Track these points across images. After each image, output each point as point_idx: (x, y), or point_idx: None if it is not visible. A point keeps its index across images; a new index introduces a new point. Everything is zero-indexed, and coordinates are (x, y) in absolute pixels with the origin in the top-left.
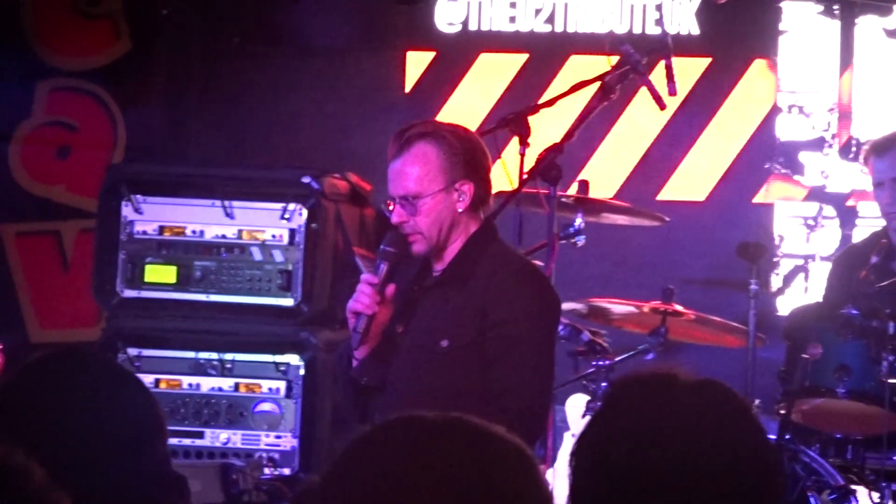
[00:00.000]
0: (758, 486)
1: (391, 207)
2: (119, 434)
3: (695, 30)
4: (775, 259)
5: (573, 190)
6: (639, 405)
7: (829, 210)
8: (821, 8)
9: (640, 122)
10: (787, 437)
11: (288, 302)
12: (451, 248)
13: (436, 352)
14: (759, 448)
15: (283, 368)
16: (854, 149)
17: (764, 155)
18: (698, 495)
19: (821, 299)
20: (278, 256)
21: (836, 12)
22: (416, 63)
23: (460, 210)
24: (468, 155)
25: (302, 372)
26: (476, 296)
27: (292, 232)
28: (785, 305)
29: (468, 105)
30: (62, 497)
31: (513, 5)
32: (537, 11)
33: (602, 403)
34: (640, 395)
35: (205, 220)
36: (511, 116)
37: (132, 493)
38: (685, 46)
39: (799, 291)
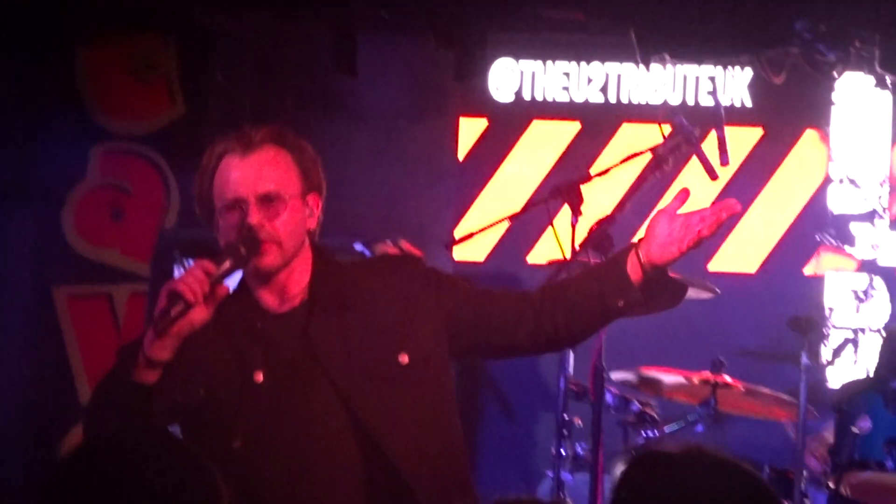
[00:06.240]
0: None
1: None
2: None
3: (747, 101)
4: (825, 331)
5: None
6: (656, 485)
7: (880, 282)
8: (873, 80)
9: (692, 192)
10: None
11: None
12: (294, 275)
13: (393, 371)
14: None
15: None
16: None
17: (815, 226)
18: None
19: (871, 373)
20: None
21: (889, 85)
22: (470, 130)
23: (309, 228)
24: (316, 168)
25: None
26: (399, 309)
27: None
28: (835, 377)
29: (521, 173)
30: None
31: (566, 74)
32: (590, 80)
33: (619, 481)
34: (655, 474)
35: None
36: (563, 185)
37: None
38: (737, 117)
39: (849, 363)
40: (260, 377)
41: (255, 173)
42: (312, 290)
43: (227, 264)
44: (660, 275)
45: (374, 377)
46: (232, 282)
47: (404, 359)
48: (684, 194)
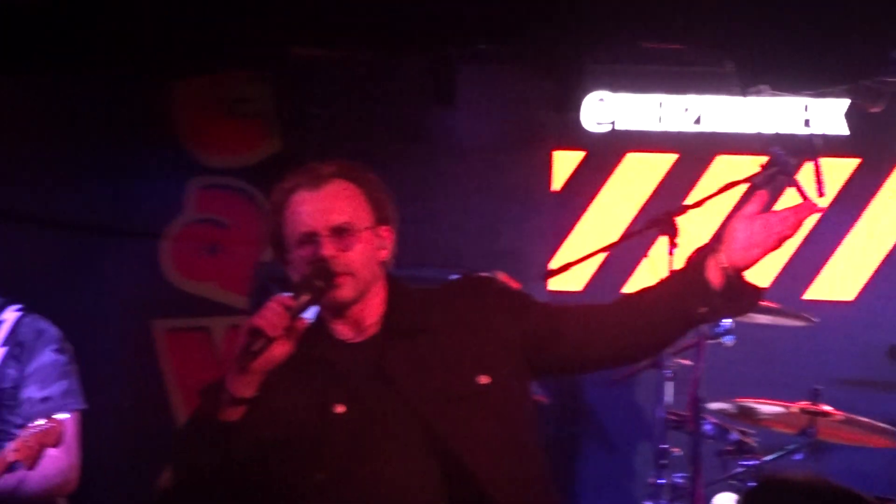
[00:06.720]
0: None
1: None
2: None
3: (844, 130)
4: None
5: None
6: None
7: None
8: None
9: None
10: None
11: None
12: (369, 306)
13: (472, 391)
14: None
15: None
16: None
17: None
18: None
19: None
20: None
21: None
22: (564, 162)
23: (382, 259)
24: (386, 201)
25: None
26: (475, 330)
27: None
28: None
29: (616, 205)
30: None
31: (661, 105)
32: (686, 110)
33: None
34: (779, 499)
35: None
36: (659, 217)
37: None
38: (833, 147)
39: None
40: (340, 409)
41: (326, 206)
42: (387, 319)
43: (304, 297)
44: (740, 279)
45: (453, 399)
46: (309, 314)
47: (484, 379)
48: (762, 196)
